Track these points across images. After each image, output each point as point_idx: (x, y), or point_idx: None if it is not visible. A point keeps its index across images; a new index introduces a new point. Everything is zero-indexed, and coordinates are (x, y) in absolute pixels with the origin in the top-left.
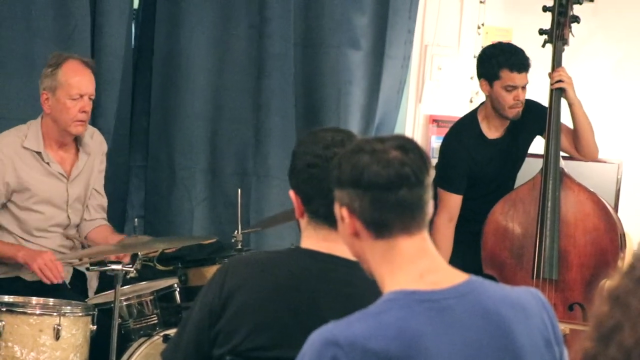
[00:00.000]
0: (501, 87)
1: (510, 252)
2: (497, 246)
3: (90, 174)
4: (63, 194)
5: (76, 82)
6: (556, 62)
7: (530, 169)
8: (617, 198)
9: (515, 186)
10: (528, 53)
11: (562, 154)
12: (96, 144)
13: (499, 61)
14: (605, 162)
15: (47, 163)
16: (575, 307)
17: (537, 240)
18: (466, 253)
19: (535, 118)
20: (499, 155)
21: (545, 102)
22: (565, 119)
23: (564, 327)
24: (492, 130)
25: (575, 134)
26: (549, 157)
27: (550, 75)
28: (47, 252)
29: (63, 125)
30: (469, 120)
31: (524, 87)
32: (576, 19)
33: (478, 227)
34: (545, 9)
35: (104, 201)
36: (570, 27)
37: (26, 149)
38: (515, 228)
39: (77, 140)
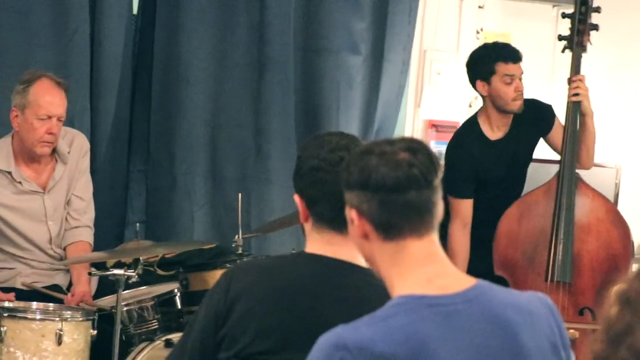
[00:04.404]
0: (500, 80)
1: (523, 254)
2: (510, 248)
3: (70, 182)
4: (40, 208)
5: (46, 102)
6: (574, 69)
7: (544, 174)
8: (616, 202)
9: (528, 190)
10: (527, 58)
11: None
12: (76, 149)
13: (491, 56)
14: (603, 166)
15: (20, 182)
16: (586, 312)
17: (551, 243)
18: (476, 256)
19: (537, 117)
20: (504, 156)
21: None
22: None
23: (573, 332)
24: (494, 131)
25: (580, 143)
26: (565, 162)
27: (569, 82)
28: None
29: (29, 145)
30: (470, 124)
31: (520, 78)
32: (595, 27)
33: (487, 231)
34: (564, 15)
35: (83, 205)
36: (589, 35)
37: None
38: (528, 231)
39: (54, 151)
